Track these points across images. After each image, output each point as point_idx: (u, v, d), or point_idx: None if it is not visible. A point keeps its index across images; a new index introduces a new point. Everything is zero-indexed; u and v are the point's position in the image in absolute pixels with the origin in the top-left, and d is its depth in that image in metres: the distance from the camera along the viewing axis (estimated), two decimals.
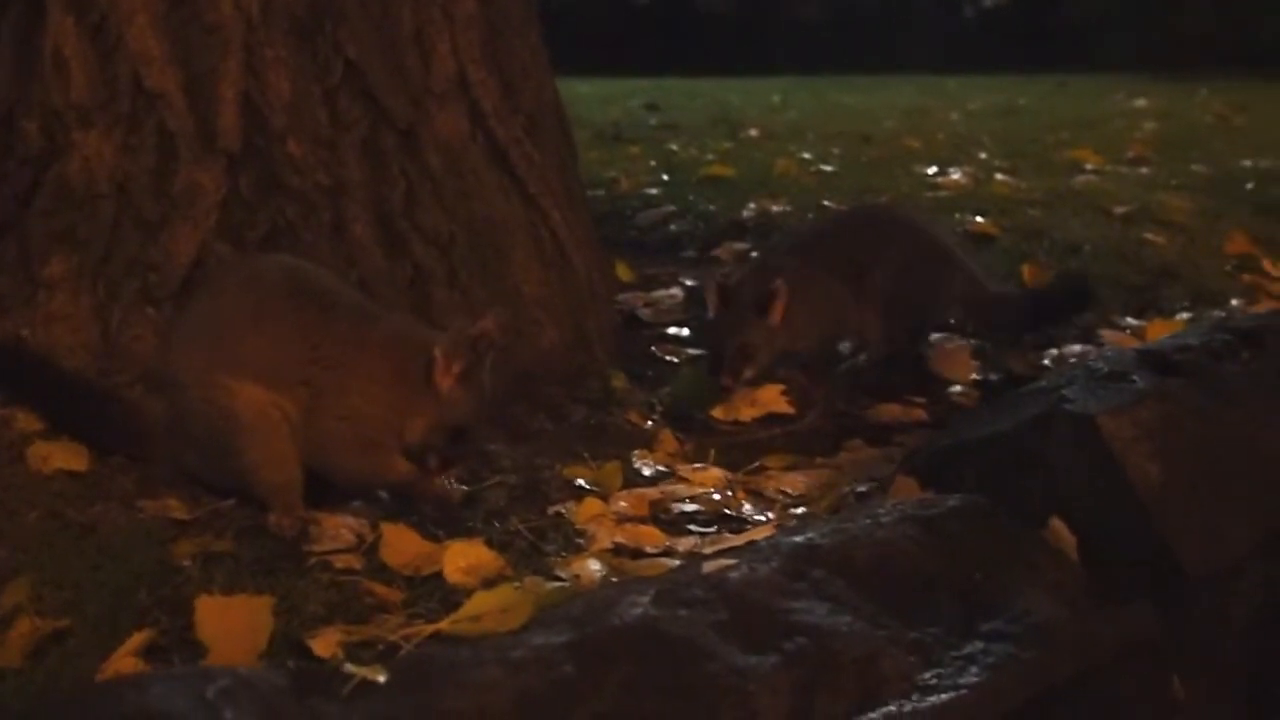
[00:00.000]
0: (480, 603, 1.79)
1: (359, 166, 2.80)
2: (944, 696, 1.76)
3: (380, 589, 2.01)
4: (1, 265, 2.68)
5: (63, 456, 2.30)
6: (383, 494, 2.35)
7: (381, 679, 1.59)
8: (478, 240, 2.92)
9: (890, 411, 2.97)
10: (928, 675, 1.80)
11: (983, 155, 6.24)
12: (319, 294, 2.26)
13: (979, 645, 1.87)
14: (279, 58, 2.75)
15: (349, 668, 1.61)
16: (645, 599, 1.77)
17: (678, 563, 2.08)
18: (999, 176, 5.43)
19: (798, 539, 1.97)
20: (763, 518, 2.35)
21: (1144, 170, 5.85)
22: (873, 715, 1.71)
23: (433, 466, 2.29)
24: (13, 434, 2.34)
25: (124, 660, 1.78)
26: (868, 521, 2.03)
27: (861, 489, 2.44)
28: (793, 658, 1.74)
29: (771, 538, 2.03)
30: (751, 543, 2.03)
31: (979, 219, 4.41)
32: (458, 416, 2.26)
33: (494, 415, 2.55)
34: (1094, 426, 2.17)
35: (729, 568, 1.87)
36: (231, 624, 1.85)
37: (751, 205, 4.68)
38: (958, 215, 4.46)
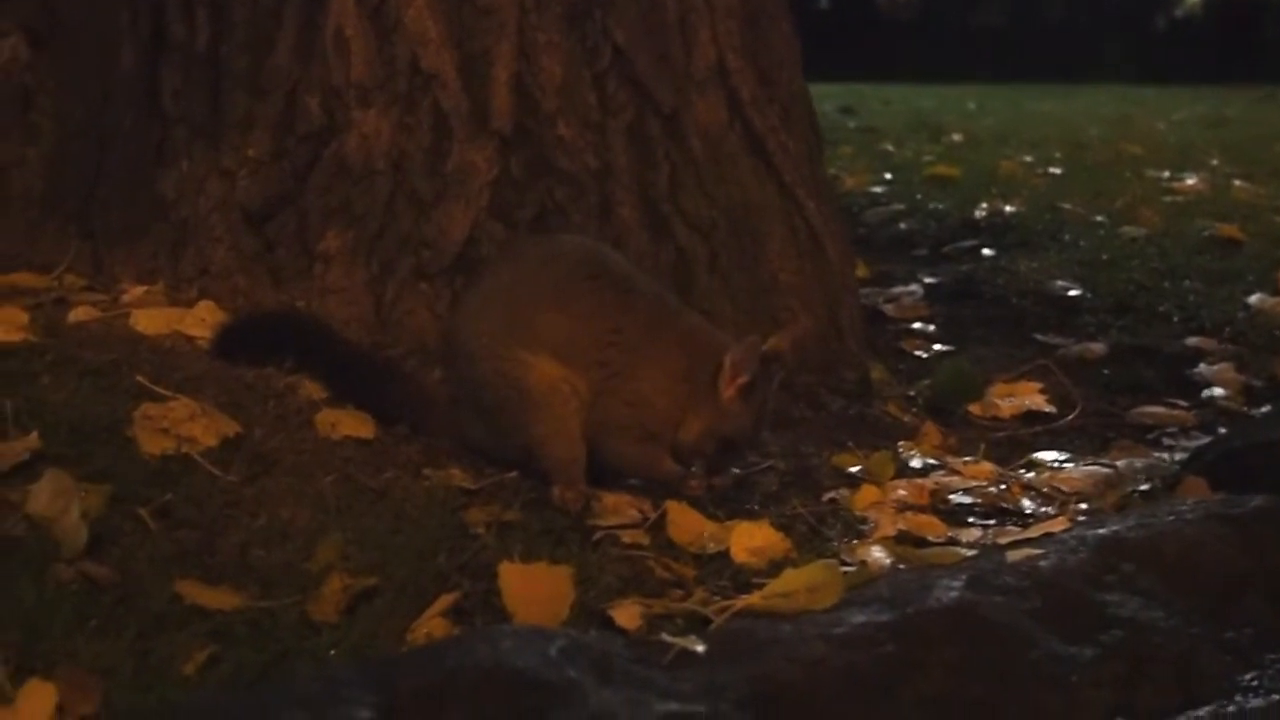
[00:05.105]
0: (790, 580, 1.78)
1: (625, 150, 2.82)
2: (1270, 699, 1.70)
3: (671, 564, 2.02)
4: (279, 238, 2.75)
5: (350, 424, 2.32)
6: None
7: (700, 649, 1.59)
8: (736, 226, 2.91)
9: (1153, 413, 2.90)
10: (1248, 676, 1.74)
11: (1214, 162, 6.06)
12: (621, 278, 2.28)
13: None
14: (551, 42, 2.77)
15: (666, 637, 1.62)
16: (959, 583, 1.75)
17: (968, 553, 2.05)
18: (1236, 183, 5.27)
19: (1103, 531, 1.93)
20: (1043, 512, 2.30)
21: None
22: (1198, 714, 1.66)
23: (698, 471, 2.29)
24: (300, 400, 2.37)
25: (433, 621, 1.81)
26: (1172, 517, 1.98)
27: (1144, 487, 2.38)
28: (1111, 650, 1.70)
29: (1071, 530, 1.98)
30: (1049, 534, 1.99)
31: (1221, 225, 4.28)
32: (732, 428, 2.26)
33: (768, 434, 2.49)
34: None
35: (1038, 556, 1.83)
36: (534, 591, 1.87)
37: (983, 205, 4.61)
38: (1199, 220, 4.34)
